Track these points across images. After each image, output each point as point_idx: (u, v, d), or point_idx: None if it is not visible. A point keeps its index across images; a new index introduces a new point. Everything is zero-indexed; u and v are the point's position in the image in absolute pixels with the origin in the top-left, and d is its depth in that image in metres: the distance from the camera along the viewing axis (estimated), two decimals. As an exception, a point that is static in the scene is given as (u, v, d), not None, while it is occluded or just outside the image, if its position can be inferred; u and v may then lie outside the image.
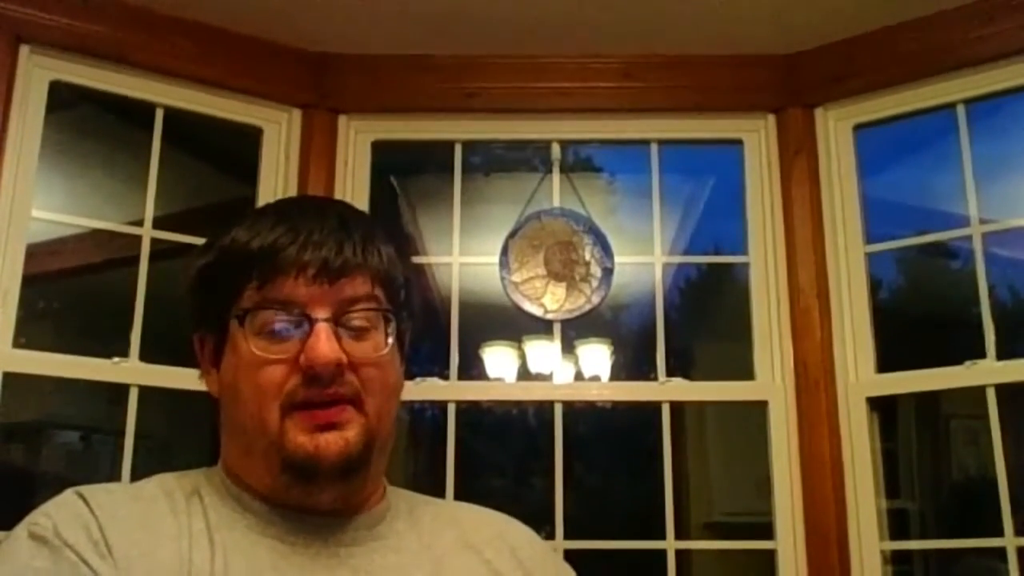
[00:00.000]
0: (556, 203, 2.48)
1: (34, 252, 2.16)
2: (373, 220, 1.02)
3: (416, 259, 2.67)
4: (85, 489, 0.91)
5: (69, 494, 0.90)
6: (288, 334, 0.92)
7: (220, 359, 0.97)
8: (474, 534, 1.03)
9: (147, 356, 2.18)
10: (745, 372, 2.35)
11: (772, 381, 2.29)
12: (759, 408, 2.31)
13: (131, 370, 2.16)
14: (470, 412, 3.15)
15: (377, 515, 0.99)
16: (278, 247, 0.92)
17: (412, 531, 1.00)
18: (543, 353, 3.73)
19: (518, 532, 1.08)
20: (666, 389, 2.34)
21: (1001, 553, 2.05)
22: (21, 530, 0.87)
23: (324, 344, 0.90)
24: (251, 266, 0.93)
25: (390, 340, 0.95)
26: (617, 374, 4.20)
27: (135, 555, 0.85)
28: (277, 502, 0.94)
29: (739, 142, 2.44)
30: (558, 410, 2.34)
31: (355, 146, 2.43)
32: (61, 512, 0.87)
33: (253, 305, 0.92)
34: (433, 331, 2.46)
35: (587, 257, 2.42)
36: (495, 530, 1.06)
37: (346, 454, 0.91)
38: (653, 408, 2.34)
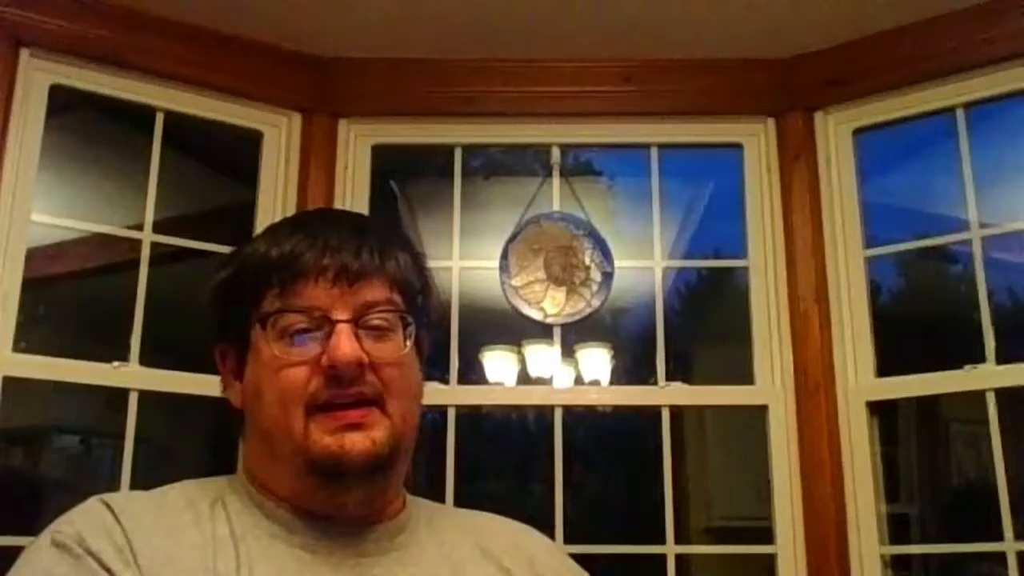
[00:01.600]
0: (556, 207, 2.48)
1: (34, 256, 2.15)
2: (390, 228, 1.04)
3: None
4: (109, 497, 0.91)
5: (93, 502, 0.91)
6: (309, 337, 0.93)
7: (242, 370, 0.98)
8: (492, 543, 1.03)
9: (147, 360, 2.17)
10: (745, 376, 2.34)
11: (772, 385, 2.29)
12: (759, 412, 2.30)
13: (131, 374, 2.16)
14: (470, 416, 3.14)
15: (399, 525, 0.99)
16: (297, 253, 0.94)
17: (432, 541, 1.00)
18: (543, 357, 3.74)
19: (536, 541, 1.09)
20: (666, 393, 2.34)
21: (1001, 558, 2.05)
22: (44, 538, 0.87)
23: (345, 343, 0.91)
24: (271, 273, 0.95)
25: (408, 342, 0.96)
26: (617, 378, 4.20)
27: (160, 563, 0.85)
28: (302, 508, 0.94)
29: (739, 146, 2.44)
30: (558, 414, 2.34)
31: (355, 150, 2.43)
32: (85, 520, 0.88)
33: (275, 310, 0.94)
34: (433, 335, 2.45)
35: (587, 261, 2.42)
36: (513, 539, 1.06)
37: (373, 454, 0.92)
38: (653, 412, 2.34)
